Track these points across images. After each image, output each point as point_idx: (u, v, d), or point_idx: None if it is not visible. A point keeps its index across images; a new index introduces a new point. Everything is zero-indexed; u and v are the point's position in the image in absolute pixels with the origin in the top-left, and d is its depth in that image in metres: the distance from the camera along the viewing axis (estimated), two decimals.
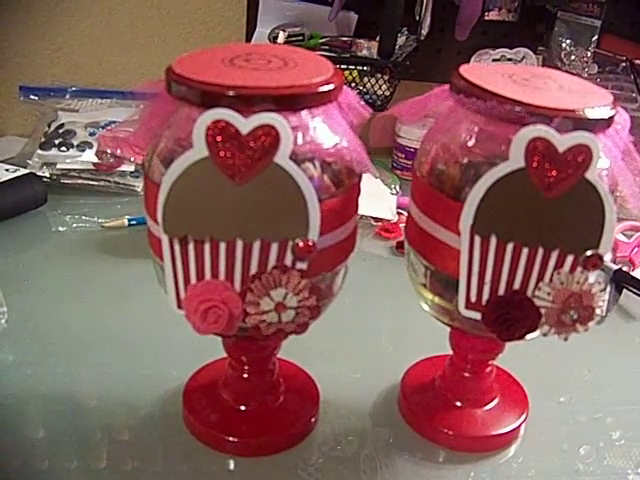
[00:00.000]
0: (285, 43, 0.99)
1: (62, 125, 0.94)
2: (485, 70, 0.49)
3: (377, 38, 0.99)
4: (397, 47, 0.99)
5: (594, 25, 1.04)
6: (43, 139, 0.92)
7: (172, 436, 0.53)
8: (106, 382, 0.58)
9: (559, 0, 1.05)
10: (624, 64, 1.03)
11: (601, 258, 0.44)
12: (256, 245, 0.42)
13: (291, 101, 0.41)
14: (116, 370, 0.60)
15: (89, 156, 0.89)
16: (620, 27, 1.07)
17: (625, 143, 0.46)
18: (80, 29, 1.07)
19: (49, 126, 0.96)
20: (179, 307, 0.44)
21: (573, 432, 0.57)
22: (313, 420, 0.55)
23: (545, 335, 0.46)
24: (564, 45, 1.05)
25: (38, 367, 0.59)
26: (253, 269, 0.42)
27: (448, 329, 0.54)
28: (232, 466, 0.52)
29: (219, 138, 0.39)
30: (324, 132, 0.44)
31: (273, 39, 1.00)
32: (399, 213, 0.88)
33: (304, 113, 0.42)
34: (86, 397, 0.57)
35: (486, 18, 1.03)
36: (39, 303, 0.68)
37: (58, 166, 0.89)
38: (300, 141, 0.43)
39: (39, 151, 0.90)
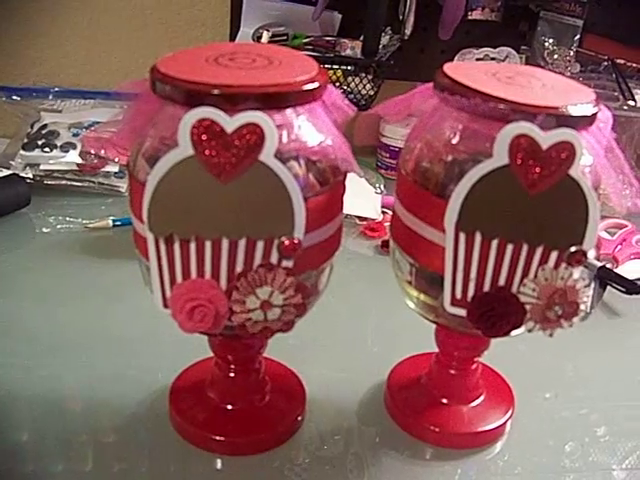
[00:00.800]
0: (269, 43, 0.99)
1: (45, 126, 0.94)
2: (469, 68, 0.49)
3: (361, 38, 0.99)
4: (381, 46, 1.00)
5: (576, 24, 1.05)
6: (26, 140, 0.92)
7: (159, 436, 0.53)
8: (92, 383, 0.58)
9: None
10: (606, 63, 1.04)
11: (585, 254, 0.45)
12: (242, 243, 0.42)
13: (276, 99, 0.41)
14: (102, 371, 0.59)
15: (73, 157, 0.89)
16: (602, 26, 1.08)
17: (608, 140, 0.46)
18: (63, 30, 1.06)
19: (32, 127, 0.95)
20: (165, 306, 0.44)
21: (558, 428, 0.57)
22: (299, 419, 0.55)
23: (530, 331, 0.46)
24: (547, 44, 1.06)
25: (22, 369, 0.59)
26: (239, 267, 0.42)
27: (434, 326, 0.54)
28: (219, 465, 0.51)
29: (204, 137, 0.39)
30: (309, 130, 0.44)
31: (257, 39, 1.00)
32: (383, 212, 0.88)
33: (289, 111, 0.42)
34: (71, 398, 0.57)
35: (469, 17, 1.04)
36: (23, 305, 0.68)
37: (41, 167, 0.89)
38: (285, 139, 0.43)
39: (22, 152, 0.89)
